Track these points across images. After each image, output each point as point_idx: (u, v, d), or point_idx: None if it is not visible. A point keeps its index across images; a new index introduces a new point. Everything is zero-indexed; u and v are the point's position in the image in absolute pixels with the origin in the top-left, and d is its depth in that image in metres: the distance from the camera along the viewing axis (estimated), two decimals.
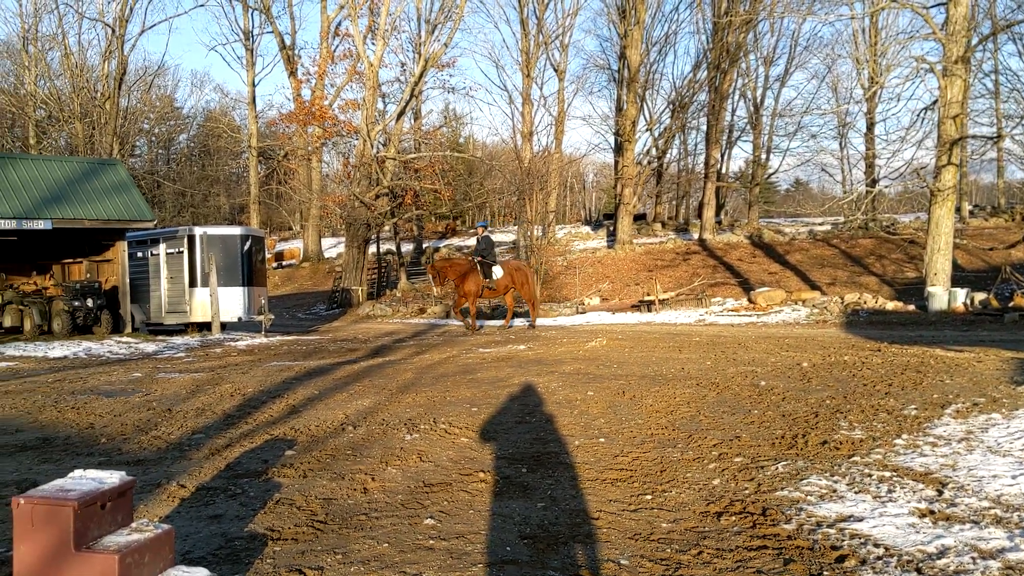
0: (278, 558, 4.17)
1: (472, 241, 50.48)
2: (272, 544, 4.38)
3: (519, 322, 21.71)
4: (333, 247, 54.88)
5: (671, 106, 45.42)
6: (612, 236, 41.71)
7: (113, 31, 46.80)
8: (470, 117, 77.11)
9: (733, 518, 4.66)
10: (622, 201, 39.51)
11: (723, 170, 46.29)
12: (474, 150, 56.68)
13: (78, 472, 3.63)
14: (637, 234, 42.18)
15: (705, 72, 41.71)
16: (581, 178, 74.85)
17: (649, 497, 5.11)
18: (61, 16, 54.77)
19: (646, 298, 25.69)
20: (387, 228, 37.49)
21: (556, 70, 44.83)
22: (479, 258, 19.14)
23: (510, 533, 4.49)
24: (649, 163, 45.33)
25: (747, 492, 5.11)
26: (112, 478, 3.55)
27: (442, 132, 47.54)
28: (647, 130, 45.38)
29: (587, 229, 49.99)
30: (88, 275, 22.89)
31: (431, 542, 4.36)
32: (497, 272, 19.23)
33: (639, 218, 47.77)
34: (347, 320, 29.47)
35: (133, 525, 3.53)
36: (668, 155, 49.35)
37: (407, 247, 46.72)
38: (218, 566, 4.02)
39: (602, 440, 6.59)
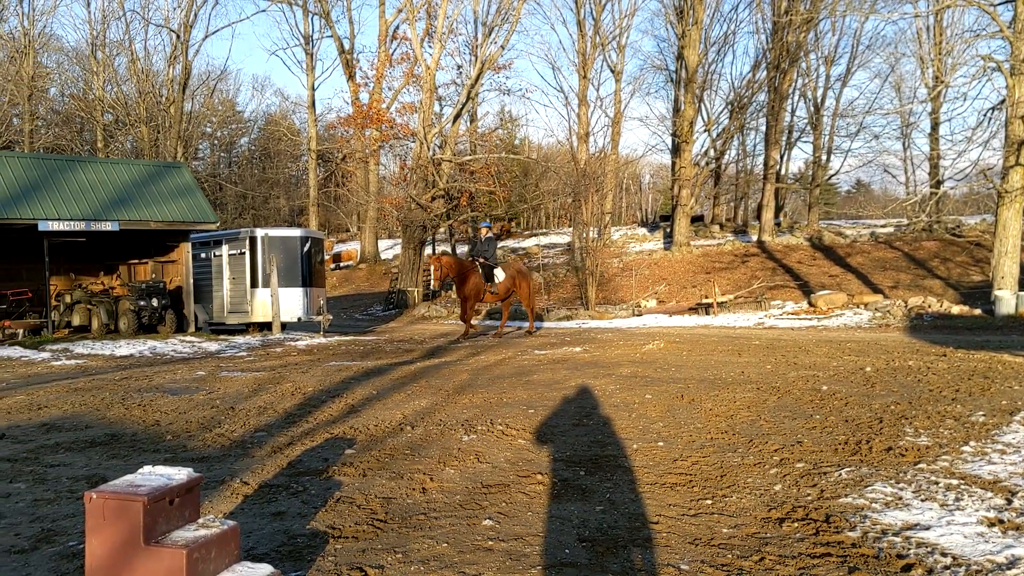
0: (339, 556, 4.22)
1: (528, 243, 50.53)
2: (333, 542, 4.44)
3: (511, 325, 21.10)
4: (389, 249, 55.39)
5: (730, 107, 44.91)
6: (669, 238, 41.36)
7: (178, 36, 47.94)
8: (526, 119, 77.10)
9: (795, 524, 4.58)
10: (679, 203, 39.17)
11: (782, 171, 45.62)
12: (529, 152, 56.73)
13: (147, 468, 3.72)
14: (694, 236, 41.78)
15: (764, 72, 41.15)
16: (637, 179, 74.40)
17: (709, 502, 5.05)
18: (128, 22, 56.21)
19: (704, 301, 25.42)
20: (442, 230, 37.71)
21: (613, 71, 44.66)
22: (480, 259, 18.54)
23: (568, 536, 4.48)
24: (707, 164, 44.84)
25: (809, 498, 5.02)
26: (180, 474, 3.63)
27: (498, 134, 47.69)
28: (705, 131, 44.93)
29: (643, 231, 49.67)
30: (153, 275, 23.46)
31: (490, 543, 4.37)
32: (499, 275, 18.67)
33: (696, 220, 47.30)
34: (403, 321, 29.71)
35: (200, 521, 3.60)
36: (726, 156, 48.79)
37: (462, 249, 46.93)
38: (281, 563, 4.08)
39: (661, 444, 6.54)
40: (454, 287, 18.57)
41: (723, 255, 37.30)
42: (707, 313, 24.04)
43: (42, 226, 18.90)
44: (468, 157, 36.55)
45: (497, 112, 63.99)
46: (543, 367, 11.33)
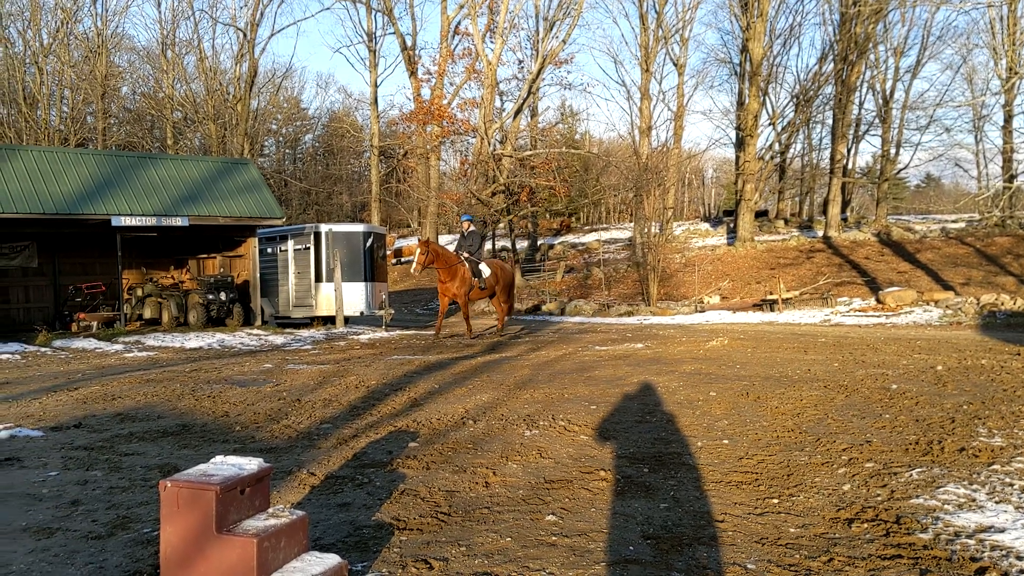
0: (404, 548, 4.26)
1: (588, 238, 50.33)
2: (398, 534, 4.48)
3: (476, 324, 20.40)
4: (450, 244, 55.65)
5: (795, 100, 44.10)
6: (732, 233, 40.83)
7: (244, 35, 48.87)
8: (586, 113, 76.91)
9: (865, 525, 4.49)
10: (743, 197, 38.62)
11: (849, 165, 44.62)
12: (590, 146, 56.44)
13: (219, 458, 3.80)
14: (758, 231, 41.15)
15: (831, 64, 40.30)
16: (700, 174, 73.58)
17: (776, 501, 4.97)
18: (197, 21, 57.59)
19: (768, 297, 25.04)
20: (502, 225, 37.80)
21: (675, 64, 44.20)
22: (464, 254, 17.64)
23: (632, 533, 4.45)
24: (771, 158, 44.13)
25: (879, 499, 4.92)
26: (251, 464, 3.70)
27: (558, 129, 47.62)
28: (770, 124, 44.21)
29: (706, 226, 49.08)
30: (221, 270, 23.98)
31: (553, 538, 4.37)
32: (484, 270, 17.84)
33: (760, 215, 46.56)
34: (462, 316, 29.85)
35: (270, 510, 3.67)
36: (791, 150, 47.96)
37: (522, 244, 46.99)
38: (347, 553, 4.13)
39: (726, 442, 6.46)
40: (439, 281, 17.44)
41: (788, 251, 36.67)
42: (771, 310, 23.68)
43: (115, 221, 19.45)
44: (528, 152, 36.55)
45: (558, 107, 63.92)
46: (604, 363, 11.28)
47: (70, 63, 50.60)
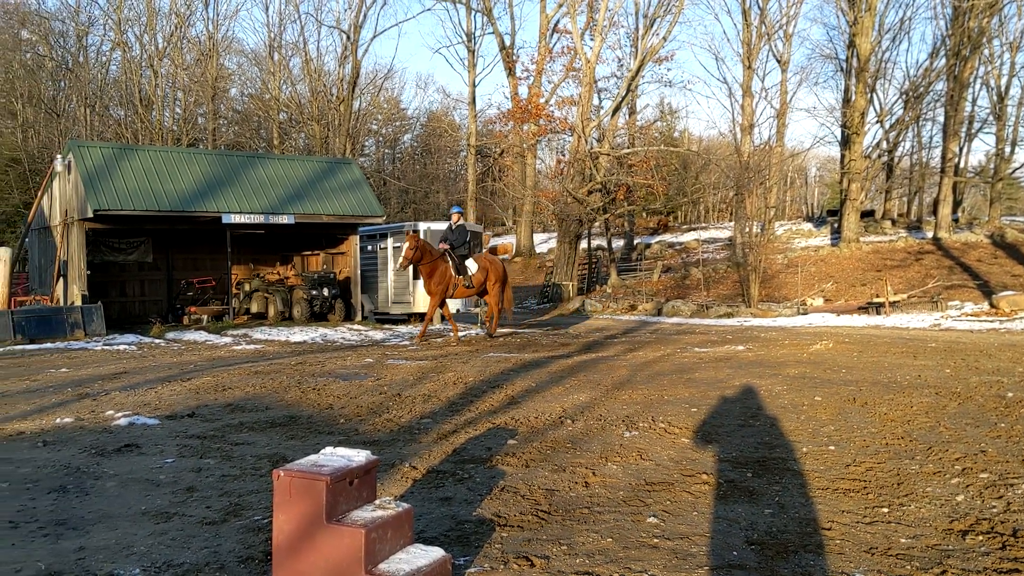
0: (505, 544, 4.29)
1: (686, 237, 49.63)
2: (499, 530, 4.51)
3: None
4: (544, 242, 55.77)
5: (904, 96, 42.46)
6: (836, 233, 39.62)
7: (348, 37, 49.99)
8: (686, 111, 75.75)
9: (980, 537, 4.31)
10: (848, 197, 37.43)
11: (961, 164, 42.72)
12: (689, 144, 55.63)
13: (329, 449, 3.90)
14: (864, 232, 39.79)
15: (943, 60, 38.65)
16: (803, 172, 71.68)
17: (885, 510, 4.82)
18: (302, 24, 59.33)
19: (874, 300, 24.21)
20: (598, 224, 37.62)
21: (779, 61, 43.14)
22: (446, 245, 16.43)
23: (736, 538, 4.38)
24: (879, 156, 42.62)
25: (995, 511, 4.71)
26: (359, 456, 3.78)
27: (657, 126, 47.12)
28: (877, 122, 42.68)
29: (809, 226, 47.77)
30: (324, 266, 24.59)
31: (655, 540, 4.33)
32: (471, 266, 16.69)
33: (867, 215, 45.01)
34: (557, 315, 29.87)
35: (377, 502, 3.74)
36: (900, 148, 46.19)
37: (618, 243, 46.67)
38: (450, 547, 4.18)
39: (832, 448, 6.28)
40: (421, 278, 16.32)
41: (895, 252, 35.37)
42: (878, 313, 22.89)
43: (225, 219, 20.19)
44: (626, 150, 36.27)
45: (657, 104, 63.30)
46: (705, 365, 11.11)
47: (183, 66, 52.75)
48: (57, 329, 17.22)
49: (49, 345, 16.17)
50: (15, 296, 19.94)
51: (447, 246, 16.40)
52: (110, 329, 18.38)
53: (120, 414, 7.84)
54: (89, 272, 20.07)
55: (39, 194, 24.33)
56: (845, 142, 39.79)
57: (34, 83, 54.60)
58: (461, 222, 17.08)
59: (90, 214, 18.61)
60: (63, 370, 11.87)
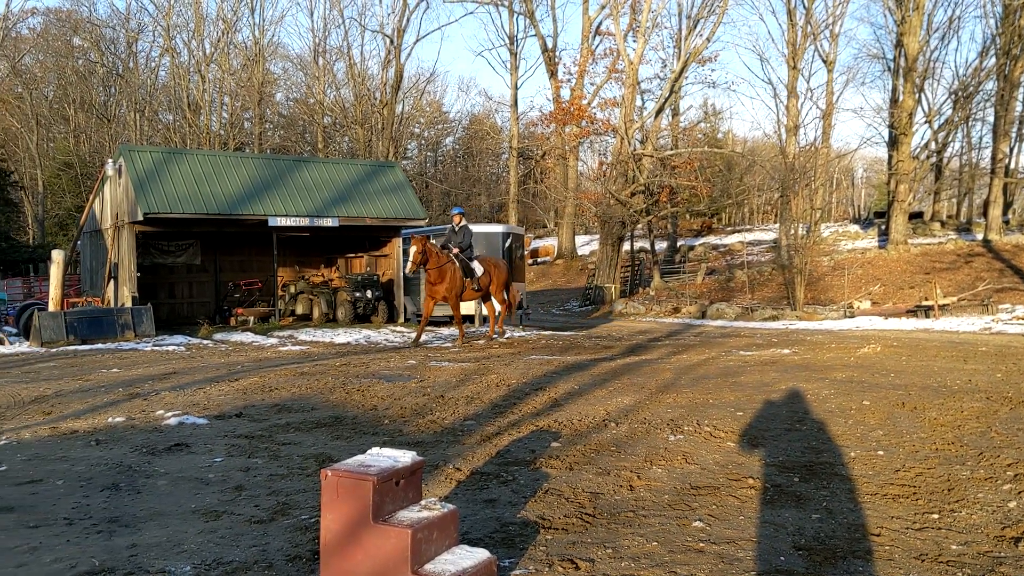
0: (550, 547, 4.29)
1: (730, 239, 49.19)
2: (544, 532, 4.51)
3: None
4: (586, 244, 55.67)
5: (953, 96, 41.70)
6: (884, 235, 39.01)
7: (391, 41, 50.44)
8: (730, 112, 75.13)
9: None
10: (896, 198, 36.83)
11: (1012, 165, 41.78)
12: (733, 145, 55.16)
13: (375, 449, 3.93)
14: (912, 233, 39.12)
15: (993, 59, 37.90)
16: (849, 174, 70.67)
17: (936, 516, 4.73)
18: (346, 29, 60.03)
19: (923, 303, 23.78)
20: (641, 226, 37.46)
21: (825, 61, 42.60)
22: (455, 250, 16.09)
23: (783, 543, 4.33)
24: (927, 157, 41.86)
25: None
26: (405, 457, 3.81)
27: (700, 128, 46.79)
28: (925, 122, 41.96)
29: (856, 228, 47.12)
30: (368, 268, 24.82)
31: (701, 544, 4.30)
32: (477, 268, 16.38)
33: (915, 216, 44.27)
34: (600, 317, 29.79)
35: (422, 503, 3.77)
36: (949, 149, 45.34)
37: (661, 245, 46.41)
38: (495, 549, 4.19)
39: (880, 453, 6.18)
40: (427, 282, 15.99)
41: (944, 254, 34.71)
42: (927, 316, 22.48)
43: (271, 221, 20.47)
44: (670, 152, 36.09)
45: (700, 105, 62.79)
46: (750, 368, 11.00)
47: (230, 71, 53.58)
48: (108, 330, 17.58)
49: (100, 346, 16.52)
50: (68, 297, 20.39)
51: (457, 249, 16.09)
52: (159, 330, 18.73)
53: (170, 414, 7.98)
54: (139, 274, 20.49)
55: (91, 197, 24.88)
56: (893, 143, 39.17)
57: (86, 89, 55.91)
58: (463, 223, 16.75)
59: (140, 217, 18.99)
60: (114, 370, 12.12)
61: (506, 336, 17.35)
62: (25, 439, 7.03)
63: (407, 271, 15.86)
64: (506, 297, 17.51)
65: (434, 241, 16.00)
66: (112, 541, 4.41)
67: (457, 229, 16.55)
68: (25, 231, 52.40)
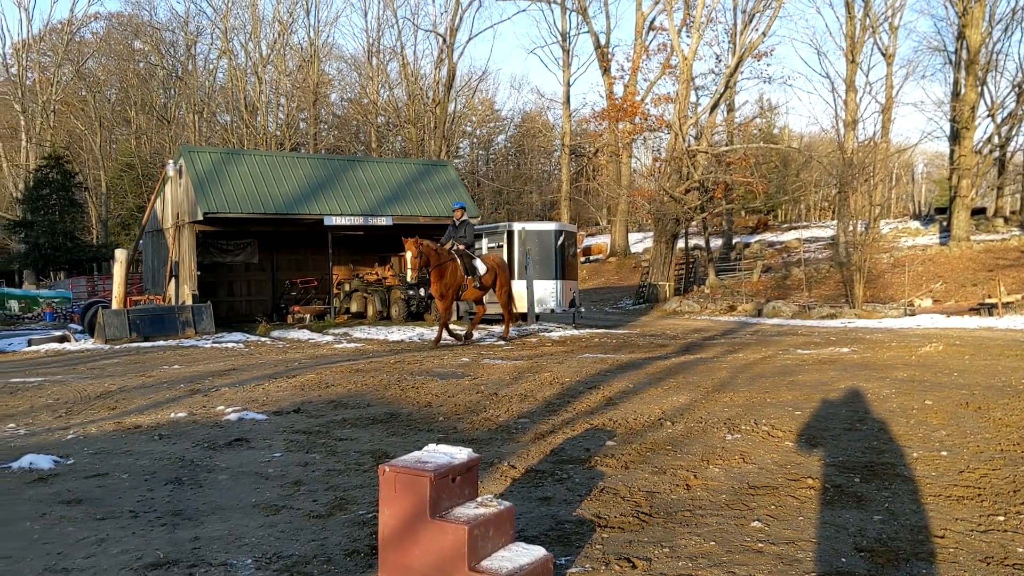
0: (606, 545, 4.27)
1: (787, 236, 48.45)
2: (599, 531, 4.50)
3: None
4: (639, 242, 55.31)
5: (1017, 89, 40.47)
6: (945, 232, 38.06)
7: (444, 40, 50.69)
8: (786, 107, 74.03)
9: None
10: (958, 194, 35.89)
11: None
12: (789, 140, 54.34)
13: (431, 446, 3.96)
14: (975, 230, 38.09)
15: None
16: (909, 169, 69.11)
17: (1001, 519, 4.61)
18: (400, 29, 60.51)
19: (986, 301, 23.16)
20: (696, 223, 37.09)
21: (884, 54, 41.70)
22: (459, 246, 15.57)
23: (844, 544, 4.25)
24: (990, 152, 40.71)
25: None
26: (461, 454, 3.83)
27: (756, 123, 46.17)
28: (988, 116, 40.81)
29: (916, 224, 46.05)
30: None
31: (759, 545, 4.25)
32: (480, 266, 15.84)
33: (977, 212, 43.07)
34: (654, 315, 29.59)
35: (479, 500, 3.78)
36: (1013, 143, 44.00)
37: (716, 242, 45.89)
38: (550, 547, 4.18)
39: (944, 453, 6.04)
40: (431, 281, 15.41)
41: (1008, 251, 33.74)
42: (990, 314, 21.89)
43: (327, 221, 20.73)
44: (725, 148, 35.69)
45: (755, 100, 62.03)
46: (808, 367, 10.83)
47: (286, 72, 54.38)
48: (169, 327, 17.98)
49: (162, 343, 16.91)
50: (130, 296, 20.89)
51: (462, 246, 15.64)
52: (219, 327, 19.10)
53: (230, 409, 8.13)
54: (199, 272, 20.91)
55: (152, 198, 25.47)
56: (954, 137, 38.19)
57: (146, 91, 57.23)
58: (465, 218, 16.24)
59: (200, 216, 19.38)
60: (176, 367, 12.40)
61: (508, 338, 16.83)
62: (92, 434, 7.22)
63: (409, 279, 15.31)
64: (508, 300, 17.02)
65: (426, 242, 15.22)
66: (176, 534, 4.51)
67: (459, 224, 16.05)
68: (89, 231, 53.85)
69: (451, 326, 16.35)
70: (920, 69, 59.61)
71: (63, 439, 7.00)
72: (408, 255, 14.56)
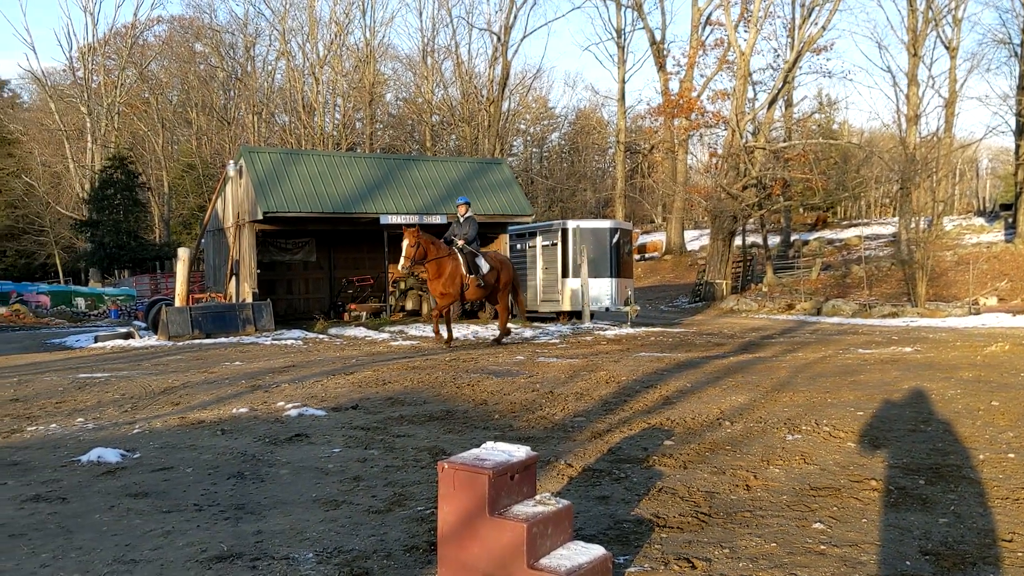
0: (665, 545, 4.25)
1: (846, 233, 47.56)
2: (658, 531, 4.47)
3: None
4: (695, 240, 54.78)
5: None
6: (1011, 229, 37.00)
7: (498, 38, 50.79)
8: (845, 102, 72.61)
9: None
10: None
11: None
12: (849, 136, 53.23)
13: (489, 444, 3.97)
14: None
15: None
16: (974, 164, 67.27)
17: None
18: (454, 28, 60.80)
19: None
20: (753, 220, 36.62)
21: (947, 47, 40.70)
22: (460, 242, 15.01)
23: (909, 547, 4.17)
24: None
25: None
26: (519, 452, 3.84)
27: (814, 119, 45.40)
28: None
29: (980, 221, 44.87)
30: None
31: (822, 547, 4.18)
32: (483, 265, 15.25)
33: None
34: (710, 314, 29.30)
35: (537, 498, 3.78)
36: None
37: (774, 240, 45.23)
38: (609, 546, 4.16)
39: (1012, 456, 5.88)
40: (428, 279, 14.93)
41: None
42: None
43: (383, 219, 20.94)
44: (783, 144, 35.16)
45: (814, 95, 60.94)
46: (870, 367, 10.63)
47: (342, 73, 55.00)
48: (230, 325, 18.34)
49: (223, 340, 17.26)
50: (192, 293, 21.35)
51: (462, 242, 15.07)
52: (278, 325, 19.43)
53: (290, 405, 8.27)
54: (259, 271, 21.28)
55: (213, 197, 26.00)
56: (1020, 132, 37.13)
57: (207, 93, 58.39)
58: (469, 214, 15.68)
59: (260, 216, 19.73)
60: (237, 363, 12.64)
61: (507, 339, 16.34)
62: (156, 428, 7.40)
63: (400, 267, 14.71)
64: (508, 300, 16.47)
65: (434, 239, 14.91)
66: (239, 527, 4.60)
67: (462, 220, 15.52)
68: (152, 230, 55.16)
69: (474, 326, 15.98)
70: (985, 62, 58.00)
71: (129, 433, 7.19)
72: (404, 243, 14.13)
